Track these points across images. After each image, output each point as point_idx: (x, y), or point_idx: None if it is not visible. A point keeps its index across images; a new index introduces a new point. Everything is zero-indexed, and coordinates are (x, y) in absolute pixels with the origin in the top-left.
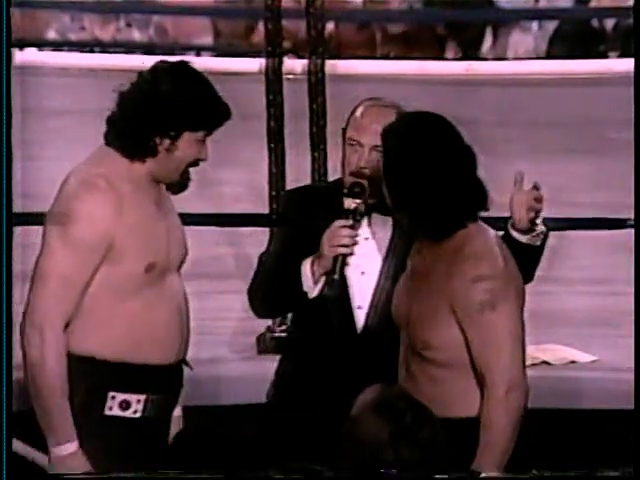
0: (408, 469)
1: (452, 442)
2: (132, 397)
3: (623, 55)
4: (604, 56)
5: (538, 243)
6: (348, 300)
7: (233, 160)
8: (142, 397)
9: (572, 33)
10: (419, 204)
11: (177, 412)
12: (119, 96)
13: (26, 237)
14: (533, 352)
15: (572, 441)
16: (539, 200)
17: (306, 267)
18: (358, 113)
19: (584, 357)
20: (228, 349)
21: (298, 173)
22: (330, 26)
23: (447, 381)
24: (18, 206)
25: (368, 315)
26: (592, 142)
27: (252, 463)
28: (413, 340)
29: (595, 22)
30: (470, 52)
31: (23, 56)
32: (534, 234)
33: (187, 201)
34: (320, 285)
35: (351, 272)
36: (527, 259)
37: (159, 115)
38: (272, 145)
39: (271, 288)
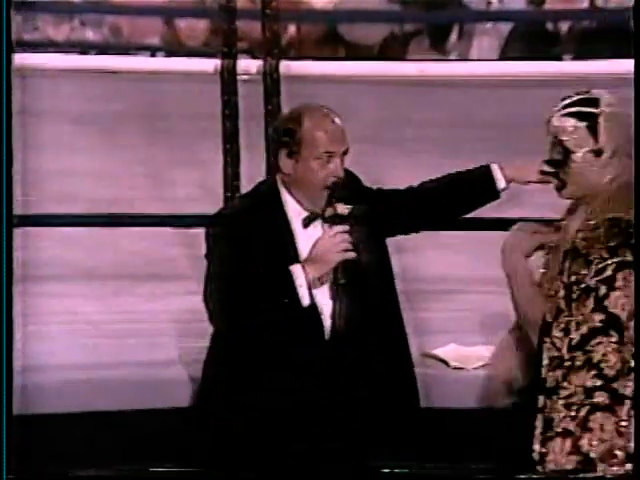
0: None
1: None
2: None
3: (577, 58)
4: (558, 59)
5: None
6: (315, 307)
7: (188, 161)
8: None
9: (526, 35)
10: None
11: None
12: None
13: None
14: None
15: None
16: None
17: (299, 273)
18: (308, 126)
19: None
20: (179, 352)
21: (253, 174)
22: (292, 27)
23: None
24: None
25: (333, 320)
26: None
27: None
28: None
29: (550, 25)
30: (434, 53)
31: None
32: None
33: (141, 202)
34: (315, 292)
35: None
36: None
37: None
38: (227, 146)
39: (254, 296)
